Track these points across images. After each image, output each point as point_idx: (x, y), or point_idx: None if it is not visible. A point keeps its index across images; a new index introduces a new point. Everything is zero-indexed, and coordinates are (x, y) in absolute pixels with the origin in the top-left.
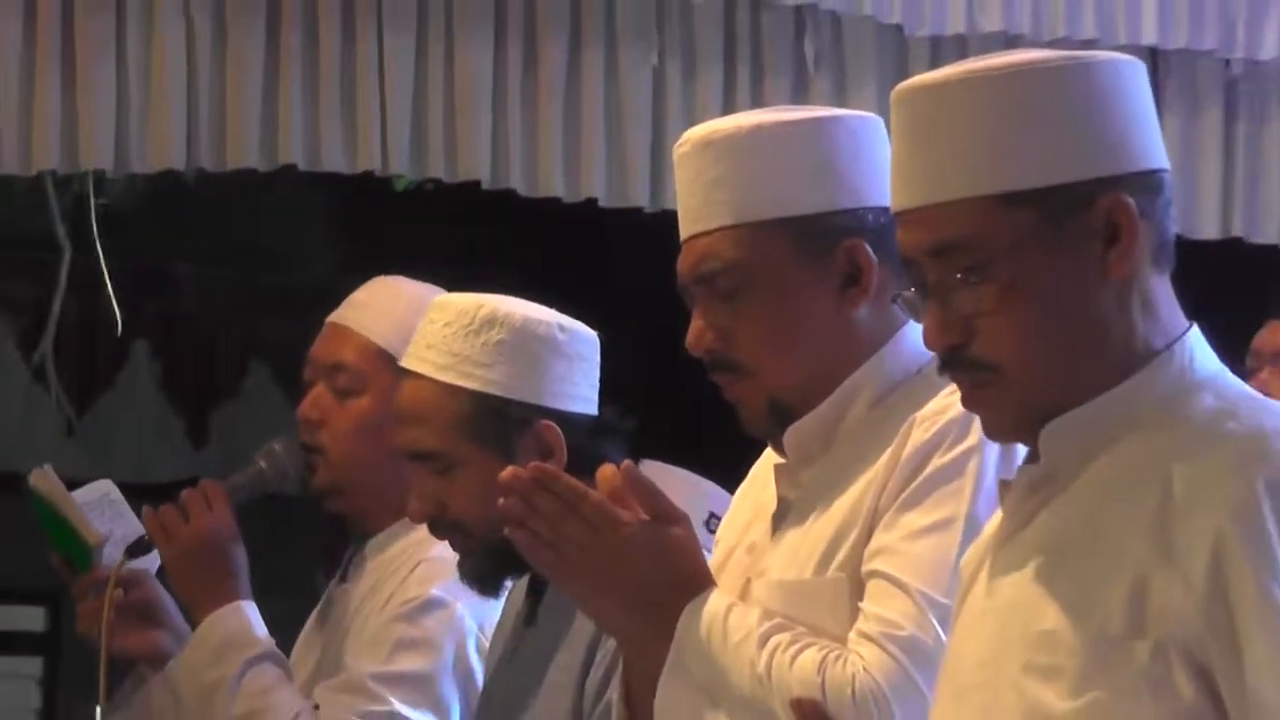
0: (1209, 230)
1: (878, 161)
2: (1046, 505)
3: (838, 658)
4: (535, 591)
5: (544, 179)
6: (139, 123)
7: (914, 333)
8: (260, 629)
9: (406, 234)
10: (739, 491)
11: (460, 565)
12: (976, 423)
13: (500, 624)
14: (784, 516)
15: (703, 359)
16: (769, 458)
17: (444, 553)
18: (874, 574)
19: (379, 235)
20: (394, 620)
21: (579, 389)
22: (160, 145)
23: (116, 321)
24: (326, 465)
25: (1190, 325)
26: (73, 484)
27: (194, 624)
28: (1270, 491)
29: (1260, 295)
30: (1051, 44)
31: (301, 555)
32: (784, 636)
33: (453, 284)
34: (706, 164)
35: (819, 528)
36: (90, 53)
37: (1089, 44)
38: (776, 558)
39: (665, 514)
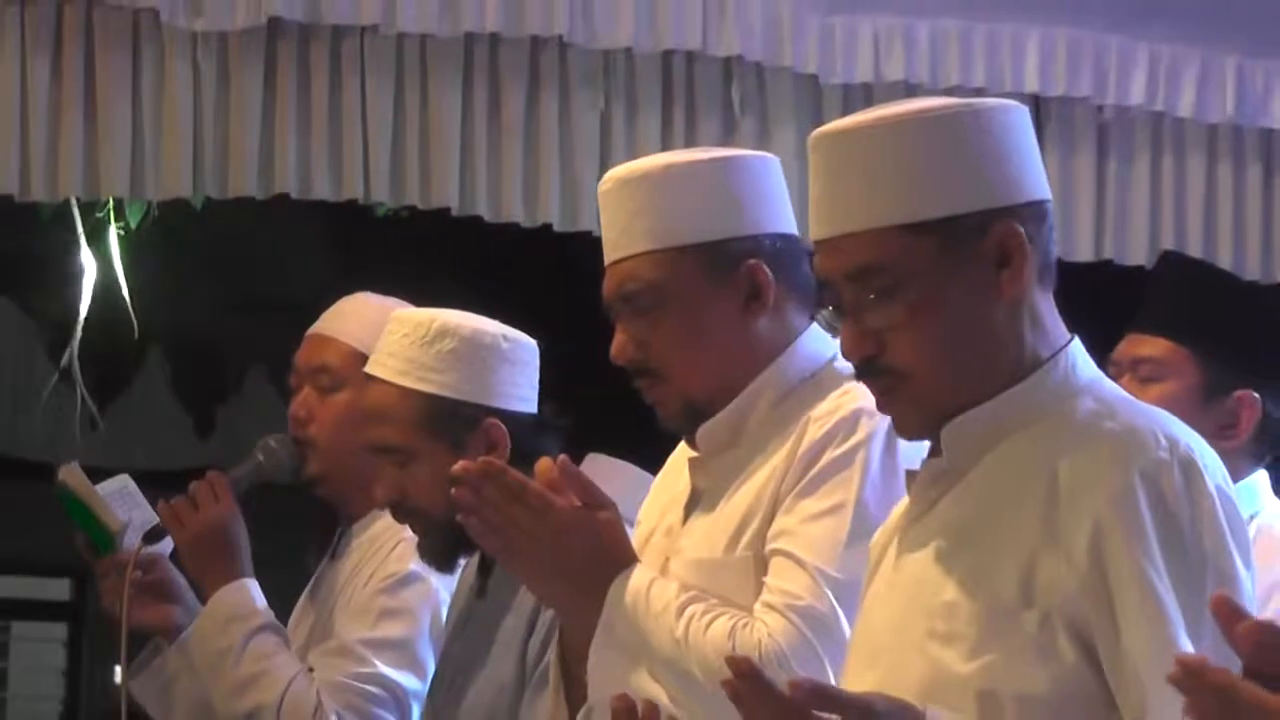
0: (1084, 253)
1: (774, 195)
2: (947, 493)
3: (745, 625)
4: (485, 568)
5: (506, 206)
6: (152, 155)
7: (807, 341)
8: (261, 603)
9: (385, 255)
10: (656, 481)
11: (419, 546)
12: (864, 420)
13: (455, 596)
14: (696, 503)
15: (626, 367)
16: (683, 451)
17: None
18: (776, 552)
19: (361, 255)
20: (377, 593)
21: (521, 390)
22: (170, 175)
23: (134, 330)
24: (316, 456)
25: (1072, 337)
26: (95, 474)
27: (204, 600)
28: (1144, 481)
29: (1129, 311)
30: (946, 91)
31: (294, 537)
32: (699, 607)
33: (424, 298)
34: (626, 198)
35: (728, 512)
36: (109, 93)
37: (979, 91)
38: (690, 539)
39: (595, 501)
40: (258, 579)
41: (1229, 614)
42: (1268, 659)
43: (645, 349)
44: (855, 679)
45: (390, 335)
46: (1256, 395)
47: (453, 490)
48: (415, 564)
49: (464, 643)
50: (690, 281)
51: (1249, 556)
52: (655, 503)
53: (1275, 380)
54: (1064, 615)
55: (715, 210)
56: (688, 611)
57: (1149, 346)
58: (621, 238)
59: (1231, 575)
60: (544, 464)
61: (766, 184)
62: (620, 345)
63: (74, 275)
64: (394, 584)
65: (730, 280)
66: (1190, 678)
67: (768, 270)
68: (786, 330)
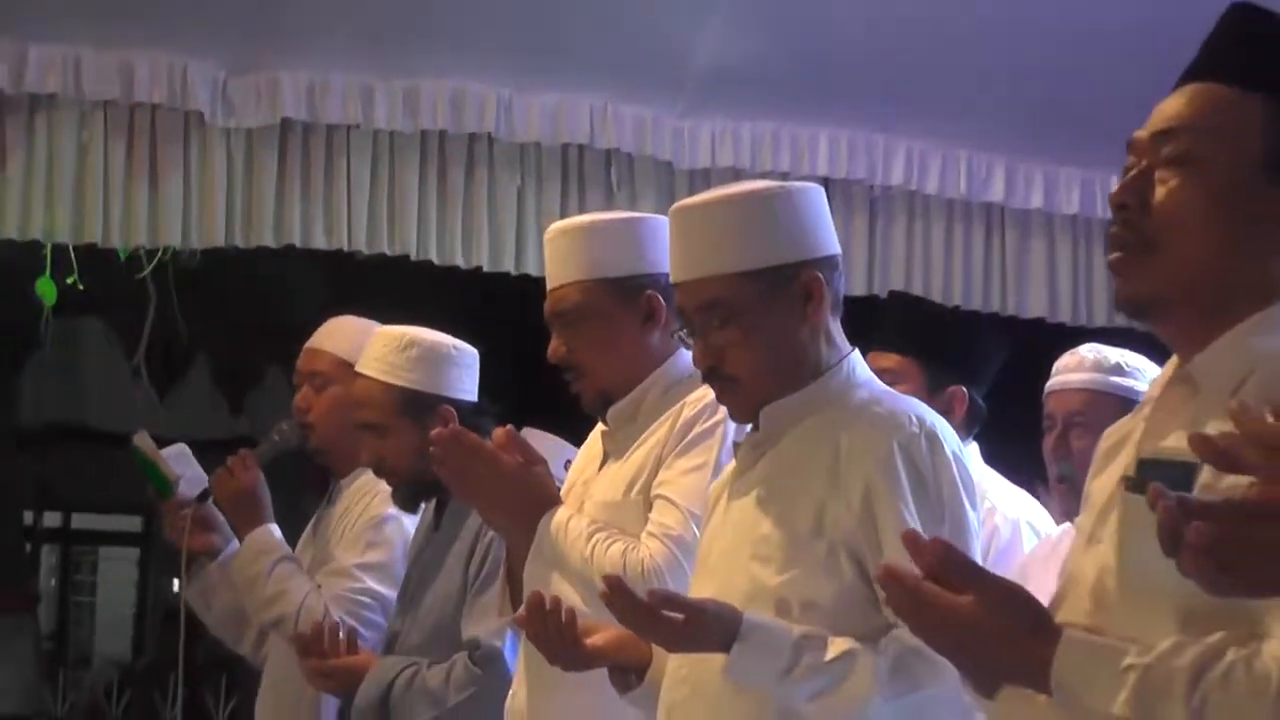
0: (859, 289)
1: (664, 244)
2: (763, 458)
3: (634, 548)
4: (439, 510)
5: (450, 253)
6: (197, 216)
7: (684, 352)
8: (281, 540)
9: (364, 287)
10: (582, 448)
11: (393, 494)
12: (722, 408)
13: (416, 530)
14: (605, 462)
15: (557, 365)
16: (599, 426)
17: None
18: (658, 497)
19: (346, 287)
20: (365, 529)
21: (465, 384)
22: (210, 230)
23: (185, 339)
24: (315, 435)
25: (852, 349)
26: (159, 441)
27: (240, 539)
28: (900, 448)
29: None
30: (763, 175)
31: (301, 491)
32: (602, 535)
33: (394, 318)
34: (561, 244)
35: (626, 468)
36: (167, 170)
37: (785, 175)
38: (599, 486)
39: (531, 459)
40: (277, 522)
41: (915, 546)
42: (941, 569)
43: (572, 352)
44: (698, 589)
45: (374, 344)
46: (965, 390)
47: (431, 450)
48: (390, 508)
49: (422, 564)
50: (605, 304)
51: (974, 499)
52: (578, 462)
53: (977, 379)
54: (845, 544)
55: (624, 253)
56: (594, 538)
57: (887, 360)
58: (557, 270)
59: (962, 514)
60: (498, 433)
61: (661, 236)
62: (554, 349)
63: (142, 299)
64: (376, 522)
65: (634, 305)
66: (888, 578)
67: (661, 299)
68: (671, 343)
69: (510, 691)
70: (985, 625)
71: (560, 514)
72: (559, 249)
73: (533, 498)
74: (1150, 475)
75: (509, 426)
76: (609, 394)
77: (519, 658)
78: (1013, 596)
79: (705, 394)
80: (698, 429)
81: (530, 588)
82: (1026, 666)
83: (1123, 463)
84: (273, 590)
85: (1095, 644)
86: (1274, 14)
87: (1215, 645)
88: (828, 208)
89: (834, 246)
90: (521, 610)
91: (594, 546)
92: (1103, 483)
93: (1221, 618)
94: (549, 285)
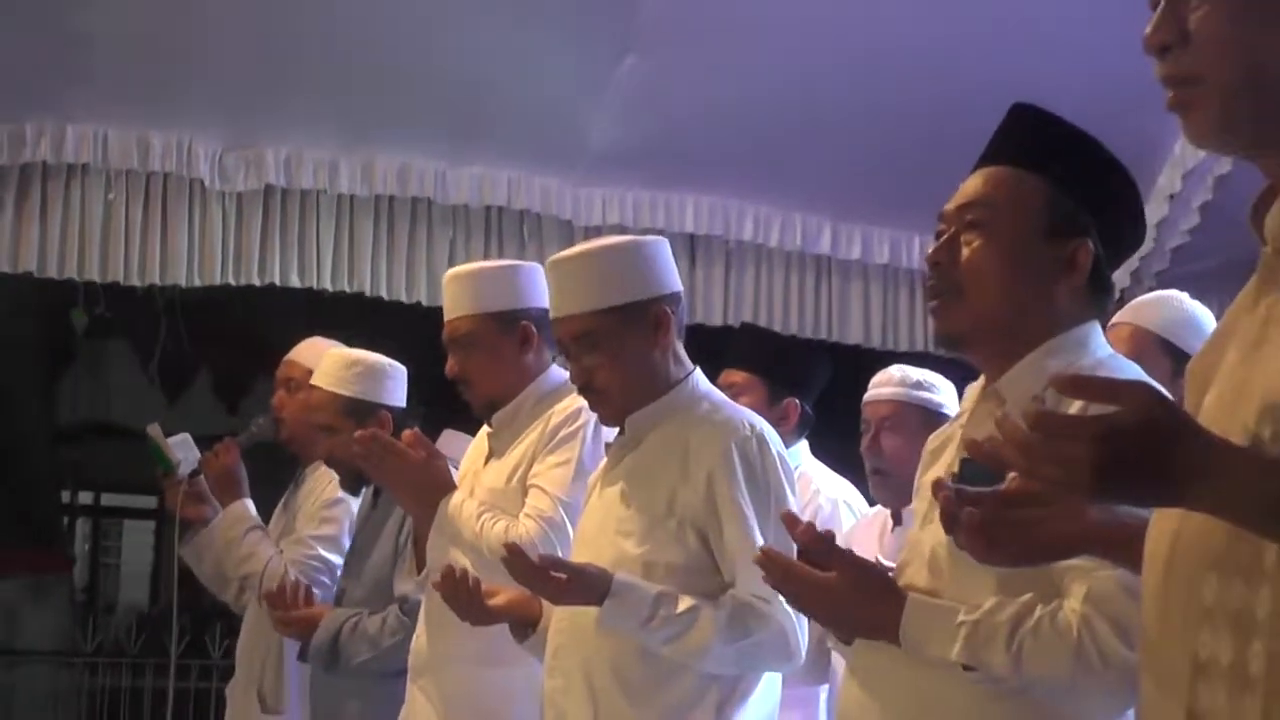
0: (717, 321)
1: (538, 284)
2: (628, 455)
3: (513, 525)
4: (377, 493)
5: (395, 290)
6: (200, 259)
7: (555, 370)
8: (253, 513)
9: (331, 316)
10: (471, 444)
11: (340, 481)
12: (583, 413)
13: (359, 509)
14: (491, 457)
15: (452, 379)
16: (485, 429)
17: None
18: (533, 485)
19: (317, 316)
20: (319, 508)
21: (397, 394)
22: (209, 270)
23: (191, 355)
24: (285, 429)
25: (695, 367)
26: (169, 434)
27: (223, 508)
28: (736, 448)
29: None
30: (642, 231)
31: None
32: (489, 515)
33: (351, 341)
34: (455, 286)
35: (507, 463)
36: (176, 224)
37: (660, 231)
38: (487, 477)
39: (433, 454)
40: (252, 498)
41: (791, 523)
42: (813, 548)
43: (463, 370)
44: (577, 556)
45: (326, 362)
46: (798, 401)
47: (354, 447)
48: (340, 492)
49: (363, 536)
50: (488, 331)
51: (794, 487)
52: (469, 457)
53: (807, 392)
54: (692, 521)
55: (505, 292)
56: (482, 517)
57: (737, 376)
58: (452, 305)
59: (784, 497)
60: (407, 435)
61: (534, 279)
62: (450, 367)
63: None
64: (329, 503)
65: (512, 332)
66: (767, 560)
67: (534, 328)
68: (543, 361)
69: (414, 634)
70: (845, 594)
71: (455, 497)
72: (454, 289)
73: (433, 484)
74: (969, 471)
75: (416, 429)
76: (493, 402)
77: (421, 608)
78: (866, 570)
79: (570, 404)
80: (563, 432)
81: (432, 555)
82: (880, 625)
83: (946, 461)
84: (245, 552)
85: (933, 605)
86: (1048, 113)
87: (1027, 603)
88: (671, 256)
89: (677, 285)
90: (437, 576)
91: (482, 524)
92: (931, 476)
93: (1030, 582)
94: (446, 317)
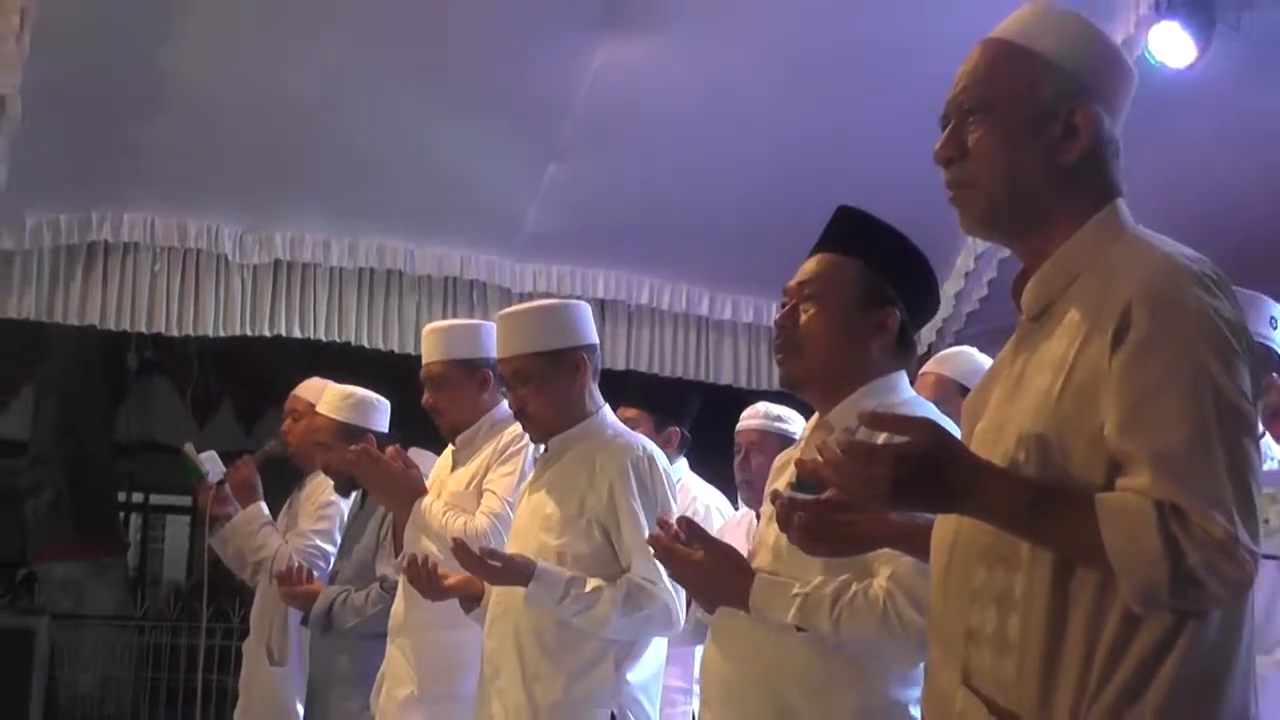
0: (620, 366)
1: (494, 339)
2: (550, 468)
3: (470, 521)
4: (363, 497)
5: (375, 340)
6: (222, 315)
7: (505, 404)
8: (266, 513)
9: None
10: (440, 458)
11: (334, 485)
12: (527, 436)
13: (350, 508)
14: (455, 468)
15: (427, 409)
16: (450, 447)
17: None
18: (486, 490)
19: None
20: (317, 508)
21: (381, 421)
22: (230, 323)
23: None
24: (291, 448)
25: (605, 403)
26: (199, 450)
27: (242, 508)
28: (632, 464)
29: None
30: (567, 295)
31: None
32: (452, 513)
33: (344, 379)
34: (431, 338)
35: (467, 472)
36: (204, 290)
37: (581, 295)
38: (452, 483)
39: (410, 466)
40: (264, 501)
41: (665, 526)
42: (688, 535)
43: (436, 403)
44: (510, 548)
45: (327, 395)
46: (678, 429)
47: (347, 460)
48: (334, 495)
49: (352, 530)
50: (457, 375)
51: (675, 495)
52: (438, 467)
53: (685, 420)
54: (597, 521)
55: (470, 344)
56: (446, 515)
57: (630, 411)
58: (428, 351)
59: (667, 503)
60: (389, 450)
61: (492, 335)
62: (425, 400)
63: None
64: (325, 504)
65: (475, 375)
66: (655, 543)
67: (491, 373)
68: (497, 398)
69: (394, 607)
70: (710, 571)
71: (426, 500)
72: (431, 340)
73: (409, 489)
74: (801, 485)
75: (397, 446)
76: (456, 428)
77: (400, 587)
78: (727, 554)
79: (517, 429)
80: (511, 449)
81: (409, 545)
82: (735, 595)
83: (786, 476)
84: (259, 543)
85: (775, 581)
86: (864, 212)
87: (846, 581)
88: (591, 316)
89: (594, 338)
90: (404, 562)
91: (446, 520)
92: (777, 486)
93: (848, 566)
94: (424, 360)
